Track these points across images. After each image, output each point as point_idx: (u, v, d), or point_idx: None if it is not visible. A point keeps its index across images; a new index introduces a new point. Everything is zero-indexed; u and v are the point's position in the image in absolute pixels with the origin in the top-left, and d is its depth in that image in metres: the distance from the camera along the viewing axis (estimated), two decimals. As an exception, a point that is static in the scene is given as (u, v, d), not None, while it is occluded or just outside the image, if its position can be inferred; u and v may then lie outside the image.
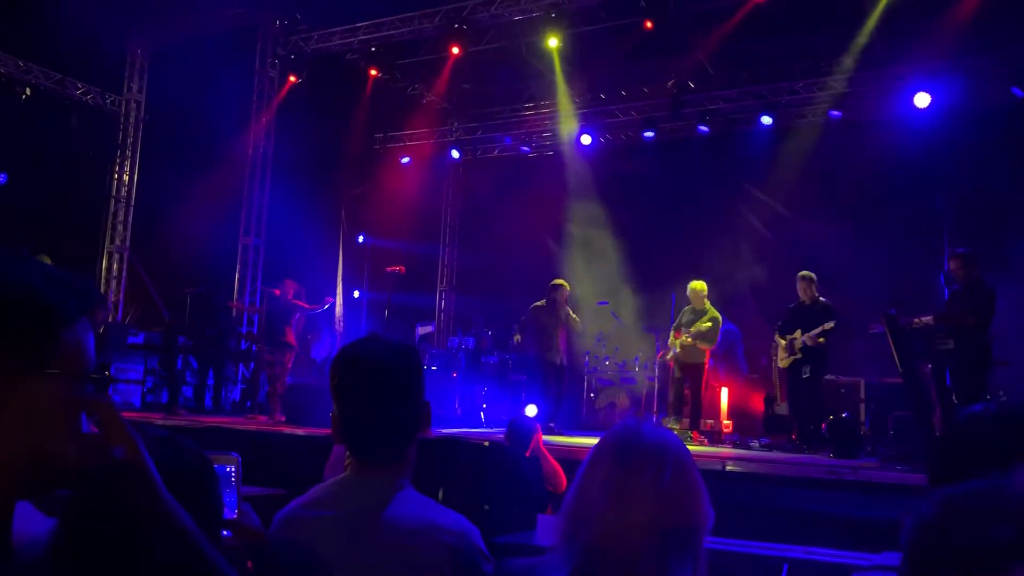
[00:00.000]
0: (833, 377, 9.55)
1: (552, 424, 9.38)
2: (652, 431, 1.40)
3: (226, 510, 1.69)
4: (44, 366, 1.02)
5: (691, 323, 9.51)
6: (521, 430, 5.27)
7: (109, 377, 10.72)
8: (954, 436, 1.38)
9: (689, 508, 1.33)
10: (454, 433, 8.34)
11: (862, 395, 9.59)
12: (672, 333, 9.73)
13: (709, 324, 9.39)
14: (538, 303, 9.78)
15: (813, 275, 8.90)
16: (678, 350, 9.53)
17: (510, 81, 14.51)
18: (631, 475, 1.33)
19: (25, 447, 1.00)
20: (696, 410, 9.46)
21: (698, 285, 9.61)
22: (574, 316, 9.81)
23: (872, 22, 10.95)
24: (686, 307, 9.71)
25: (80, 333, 1.07)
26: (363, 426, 1.85)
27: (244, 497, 1.80)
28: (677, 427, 9.34)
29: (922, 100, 11.12)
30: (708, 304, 9.57)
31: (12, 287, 1.01)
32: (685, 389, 9.64)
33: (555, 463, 5.14)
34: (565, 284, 9.86)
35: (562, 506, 1.39)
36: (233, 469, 1.76)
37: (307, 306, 10.18)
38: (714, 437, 10.10)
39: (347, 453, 1.91)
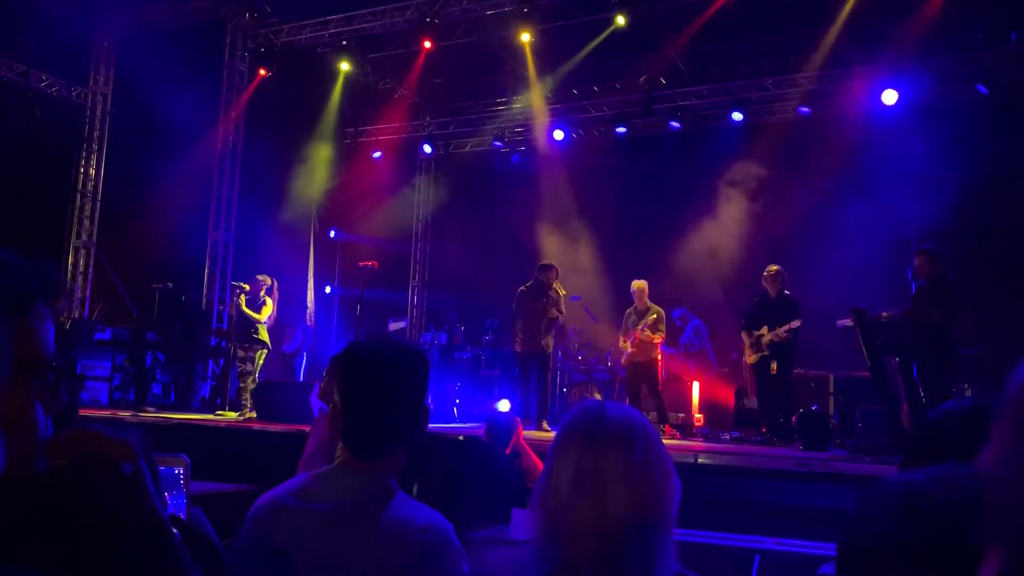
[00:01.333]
0: (802, 371, 9.66)
1: (544, 421, 9.00)
2: (615, 409, 1.40)
3: (175, 513, 1.66)
4: None
5: (636, 324, 9.54)
6: (500, 426, 5.25)
7: (74, 369, 10.53)
8: (924, 433, 1.39)
9: (661, 482, 1.34)
10: (428, 429, 8.30)
11: (831, 389, 9.71)
12: (621, 338, 9.75)
13: (655, 317, 9.47)
14: (524, 286, 9.35)
15: (781, 269, 8.98)
16: (630, 350, 9.54)
17: (482, 76, 14.47)
18: (602, 457, 1.33)
19: None
20: (660, 404, 9.50)
21: (640, 284, 9.67)
22: (561, 294, 9.30)
23: (840, 21, 11.07)
24: (628, 309, 9.74)
25: (34, 321, 1.01)
26: (363, 420, 1.87)
27: (214, 493, 1.78)
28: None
29: (889, 97, 11.28)
30: (649, 302, 9.61)
31: None
32: (642, 387, 9.63)
33: (536, 458, 5.14)
34: (555, 265, 9.49)
35: (534, 497, 1.38)
36: (181, 471, 1.72)
37: (248, 312, 9.86)
38: (685, 430, 10.17)
39: (340, 446, 1.91)
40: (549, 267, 9.36)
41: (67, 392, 1.06)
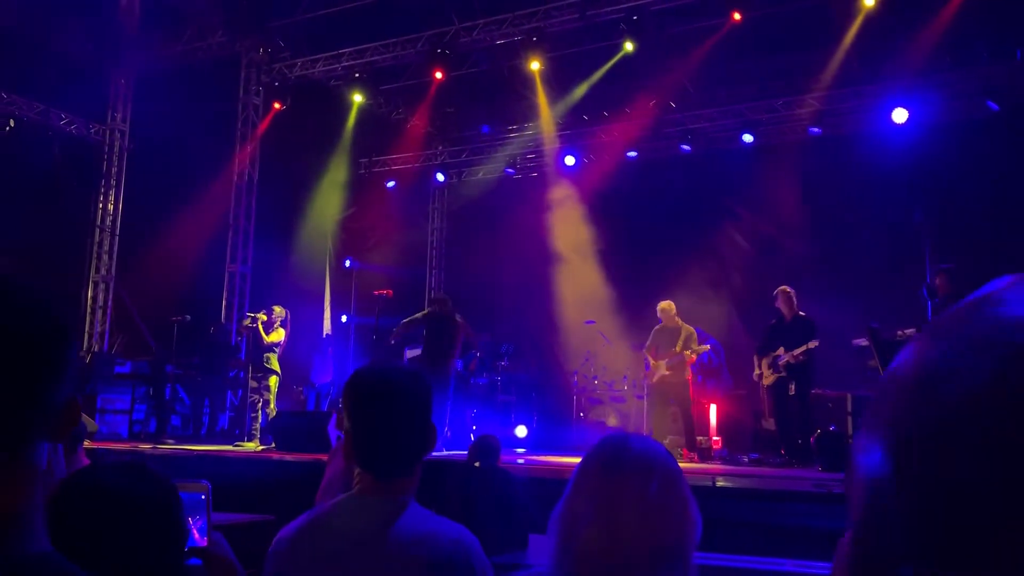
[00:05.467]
0: (819, 391, 9.60)
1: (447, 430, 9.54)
2: (639, 442, 1.42)
3: (197, 538, 1.68)
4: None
5: (670, 342, 9.49)
6: (487, 445, 5.47)
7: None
8: None
9: (678, 519, 1.35)
10: (444, 456, 8.33)
11: (849, 408, 9.63)
12: (650, 357, 9.69)
13: (695, 337, 9.47)
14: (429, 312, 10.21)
15: (791, 290, 8.93)
16: (665, 372, 9.48)
17: (494, 104, 14.61)
18: (619, 487, 1.34)
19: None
20: (690, 427, 9.48)
21: (667, 304, 9.67)
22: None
23: (848, 40, 11.12)
24: (656, 328, 9.71)
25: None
26: (376, 444, 1.91)
27: (234, 524, 1.81)
28: (666, 443, 9.36)
29: (899, 116, 11.29)
30: (679, 320, 9.61)
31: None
32: (670, 408, 9.62)
33: None
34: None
35: (551, 521, 1.41)
36: (203, 496, 1.75)
37: (265, 336, 10.01)
38: (703, 453, 10.10)
39: (356, 472, 1.94)
40: (444, 300, 10.28)
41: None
